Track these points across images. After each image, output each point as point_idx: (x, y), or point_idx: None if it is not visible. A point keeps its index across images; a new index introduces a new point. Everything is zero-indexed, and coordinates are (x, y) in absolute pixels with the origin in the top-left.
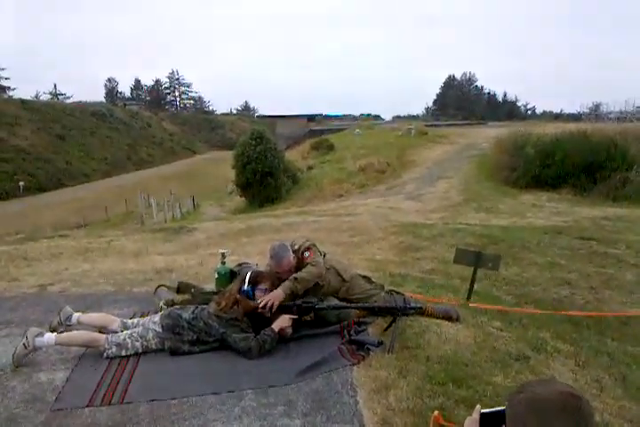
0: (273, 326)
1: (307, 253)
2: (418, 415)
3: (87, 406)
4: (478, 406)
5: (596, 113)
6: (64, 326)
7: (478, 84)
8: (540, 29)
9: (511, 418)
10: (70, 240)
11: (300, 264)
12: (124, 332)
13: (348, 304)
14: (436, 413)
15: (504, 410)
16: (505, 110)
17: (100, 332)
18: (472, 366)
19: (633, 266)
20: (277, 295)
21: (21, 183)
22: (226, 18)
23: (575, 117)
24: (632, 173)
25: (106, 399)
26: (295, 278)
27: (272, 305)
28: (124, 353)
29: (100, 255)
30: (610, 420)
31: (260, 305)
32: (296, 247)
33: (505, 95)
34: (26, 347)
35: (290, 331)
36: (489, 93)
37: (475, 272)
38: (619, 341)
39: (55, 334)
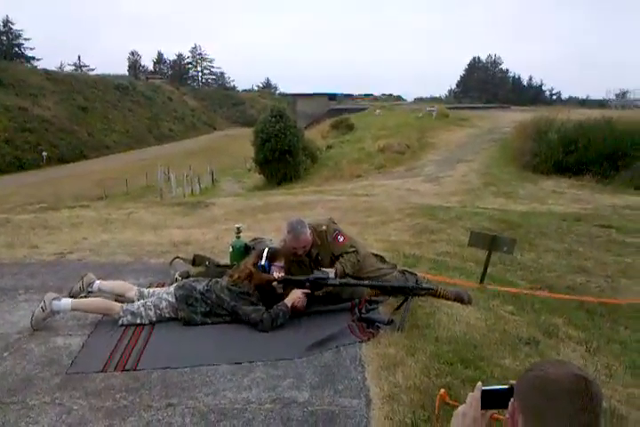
0: (286, 300)
1: (340, 238)
2: (424, 393)
3: (101, 371)
4: (479, 384)
5: (622, 100)
6: (85, 291)
7: (503, 67)
8: (568, 12)
9: (519, 394)
10: (90, 211)
11: (332, 246)
12: (139, 301)
13: (361, 282)
14: (442, 391)
15: (505, 388)
16: (530, 95)
17: (116, 300)
18: (481, 347)
19: None
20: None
21: (44, 154)
22: None
23: (601, 104)
24: None
25: (120, 365)
26: (346, 274)
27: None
28: (138, 321)
29: (119, 226)
30: (617, 406)
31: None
32: (323, 228)
33: (530, 79)
34: (43, 310)
35: (302, 306)
36: (514, 77)
37: (489, 256)
38: (632, 329)
39: (72, 299)
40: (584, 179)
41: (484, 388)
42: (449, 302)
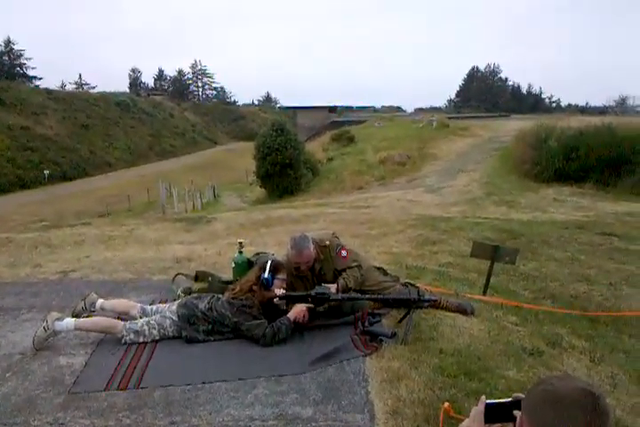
0: (288, 315)
1: (344, 253)
2: (428, 407)
3: (104, 390)
4: (483, 397)
5: (622, 106)
6: (87, 311)
7: (502, 75)
8: (567, 20)
9: (528, 409)
10: (93, 228)
11: (335, 261)
12: (142, 319)
13: (363, 296)
14: (446, 404)
15: (509, 402)
16: (529, 103)
17: (118, 318)
18: (485, 359)
19: None
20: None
21: (46, 172)
22: (249, 9)
23: (601, 111)
24: None
25: (122, 384)
26: (350, 288)
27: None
28: (141, 340)
29: (121, 243)
30: (623, 416)
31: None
32: (327, 243)
33: (529, 87)
34: (46, 330)
35: (305, 320)
36: (513, 86)
37: (491, 266)
38: (636, 338)
39: (74, 319)
40: (585, 186)
41: (487, 401)
42: (452, 314)
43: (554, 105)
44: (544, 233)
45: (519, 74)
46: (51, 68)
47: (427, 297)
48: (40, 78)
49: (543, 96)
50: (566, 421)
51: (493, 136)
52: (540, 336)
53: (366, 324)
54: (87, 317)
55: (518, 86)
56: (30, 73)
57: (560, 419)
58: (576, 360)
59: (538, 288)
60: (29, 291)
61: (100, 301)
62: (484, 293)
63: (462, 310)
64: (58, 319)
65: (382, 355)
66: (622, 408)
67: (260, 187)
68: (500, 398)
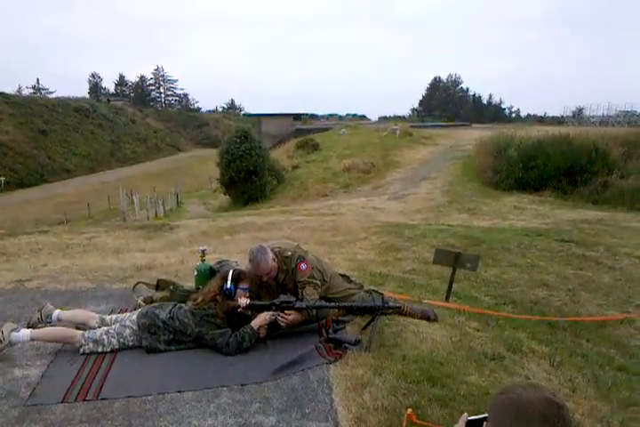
0: (252, 323)
1: (303, 266)
2: (392, 413)
3: (62, 401)
4: (465, 415)
5: (579, 117)
6: (44, 323)
7: (464, 86)
8: (525, 32)
9: (492, 417)
10: (50, 236)
11: (294, 273)
12: (101, 328)
13: (327, 303)
14: (409, 411)
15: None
16: (490, 113)
17: (77, 328)
18: (447, 365)
19: (610, 269)
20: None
21: (2, 178)
22: (213, 16)
23: (559, 121)
24: (612, 177)
25: (81, 395)
26: (307, 307)
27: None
28: (100, 349)
29: (79, 252)
30: (581, 420)
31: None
32: (288, 254)
33: (490, 97)
34: (1, 341)
35: (264, 332)
36: (474, 95)
37: (453, 273)
38: (593, 342)
39: (31, 329)
40: (544, 194)
41: (469, 418)
42: (415, 320)
43: (513, 115)
44: (505, 240)
45: (480, 85)
46: (6, 72)
47: (390, 304)
48: None
49: (503, 106)
50: None
51: (455, 145)
52: (501, 341)
53: (330, 331)
54: (43, 328)
55: (479, 96)
56: None
57: None
58: (536, 365)
59: (499, 294)
60: None
61: (57, 311)
62: (447, 299)
63: (425, 317)
64: (14, 331)
65: (346, 362)
66: (581, 412)
67: (225, 194)
68: (463, 403)
